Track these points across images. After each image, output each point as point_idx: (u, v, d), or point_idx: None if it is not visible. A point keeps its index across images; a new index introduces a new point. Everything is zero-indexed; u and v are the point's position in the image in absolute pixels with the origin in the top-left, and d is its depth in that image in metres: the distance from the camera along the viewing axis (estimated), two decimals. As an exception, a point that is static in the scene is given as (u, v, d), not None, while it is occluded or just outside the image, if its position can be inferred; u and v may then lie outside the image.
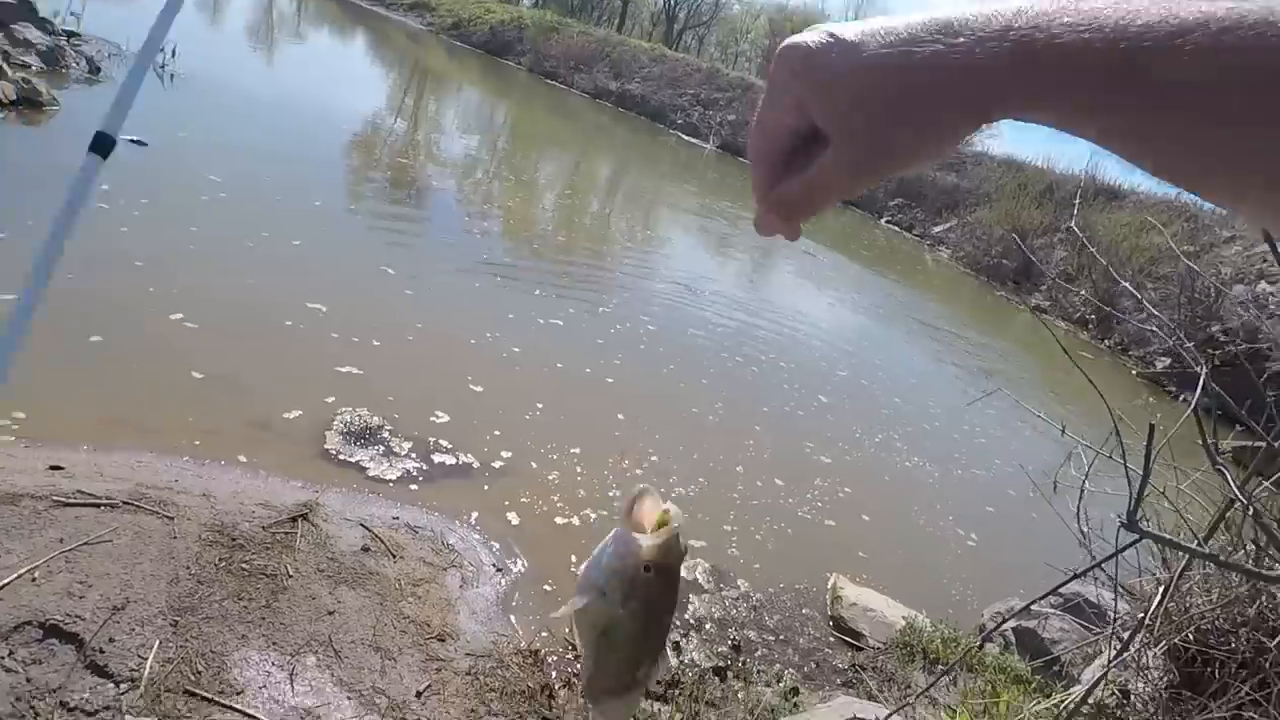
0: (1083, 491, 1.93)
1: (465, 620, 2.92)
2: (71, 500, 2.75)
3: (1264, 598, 2.05)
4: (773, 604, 3.74)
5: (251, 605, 2.58)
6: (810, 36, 0.42)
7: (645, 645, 0.64)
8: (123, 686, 2.16)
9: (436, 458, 3.95)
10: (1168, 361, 12.04)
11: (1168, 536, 1.37)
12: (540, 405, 4.80)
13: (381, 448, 3.87)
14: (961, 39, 0.39)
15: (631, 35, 42.08)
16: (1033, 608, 3.56)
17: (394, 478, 3.70)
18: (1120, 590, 2.57)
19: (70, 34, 9.38)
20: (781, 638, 3.52)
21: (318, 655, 2.49)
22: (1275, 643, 1.92)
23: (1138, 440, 1.58)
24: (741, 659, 3.23)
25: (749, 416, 5.90)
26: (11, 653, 2.14)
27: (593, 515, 3.90)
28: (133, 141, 5.89)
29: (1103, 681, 2.18)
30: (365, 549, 3.07)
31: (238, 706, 2.22)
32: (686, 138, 27.35)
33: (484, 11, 35.62)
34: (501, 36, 33.92)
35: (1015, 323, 14.99)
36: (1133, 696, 2.31)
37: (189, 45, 10.71)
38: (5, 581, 2.32)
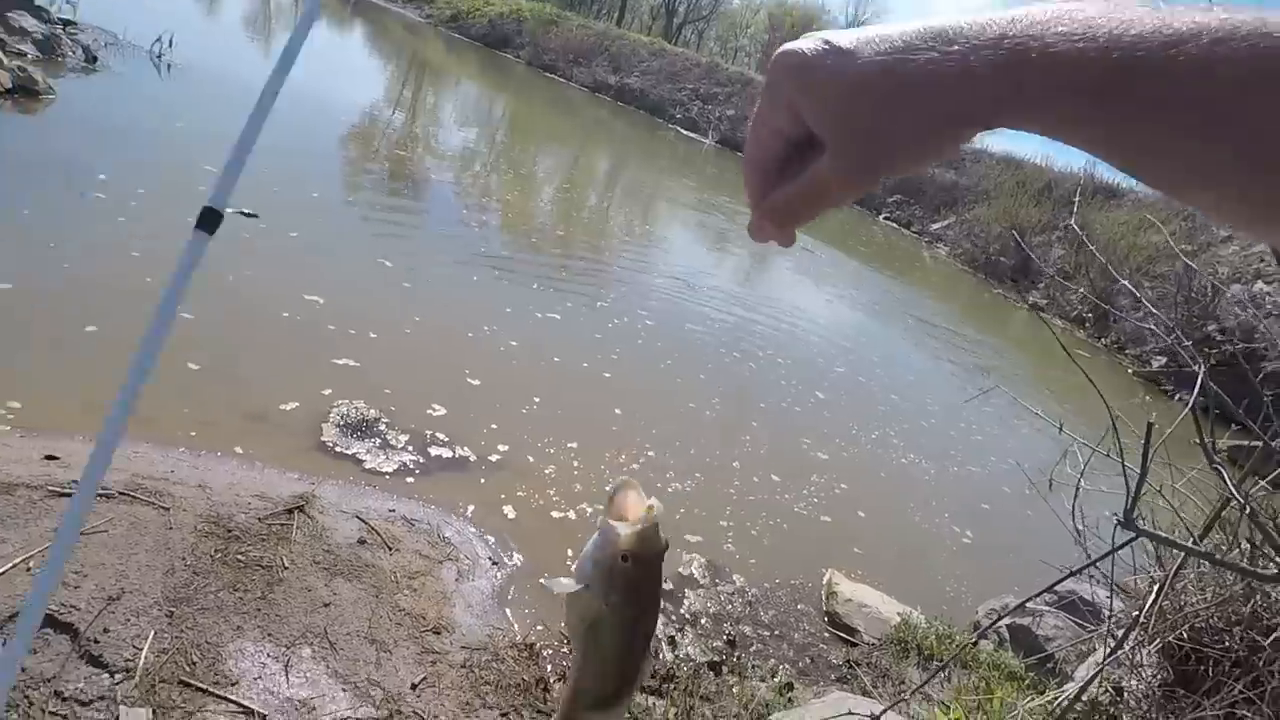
0: (1078, 489, 1.94)
1: (461, 613, 2.92)
2: (67, 490, 2.74)
3: (1258, 596, 2.06)
4: (768, 599, 3.74)
5: (247, 596, 2.58)
6: (806, 43, 0.43)
7: (630, 643, 0.64)
8: (118, 676, 2.15)
9: (433, 451, 3.95)
10: (1164, 360, 12.07)
11: (1164, 535, 1.38)
12: (537, 399, 4.80)
13: (378, 440, 3.86)
14: (956, 47, 0.39)
15: (631, 29, 41.96)
16: (1027, 605, 3.57)
17: (390, 470, 3.70)
18: (1115, 588, 2.57)
19: (66, 22, 9.32)
20: (776, 633, 3.53)
21: (313, 647, 2.49)
22: (1269, 641, 1.92)
23: (1133, 439, 1.58)
24: (736, 654, 3.24)
25: (746, 412, 5.90)
26: (6, 642, 2.13)
27: (589, 510, 3.90)
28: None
29: (1097, 679, 2.19)
30: (361, 541, 3.06)
31: (232, 697, 2.21)
32: (685, 132, 27.30)
33: (483, 4, 35.47)
34: (500, 29, 33.80)
35: (1012, 321, 15.02)
36: (1126, 694, 2.32)
37: (186, 35, 10.67)
38: (0, 571, 2.32)
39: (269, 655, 2.40)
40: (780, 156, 0.46)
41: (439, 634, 2.76)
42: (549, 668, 2.80)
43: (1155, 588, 2.07)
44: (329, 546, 2.97)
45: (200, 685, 2.21)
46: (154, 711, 2.10)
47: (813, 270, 12.26)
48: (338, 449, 3.71)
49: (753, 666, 3.20)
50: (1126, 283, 2.10)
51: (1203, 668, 2.12)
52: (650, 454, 4.67)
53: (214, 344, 4.15)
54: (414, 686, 2.49)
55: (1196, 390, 1.56)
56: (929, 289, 15.60)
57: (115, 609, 2.35)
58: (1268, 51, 0.32)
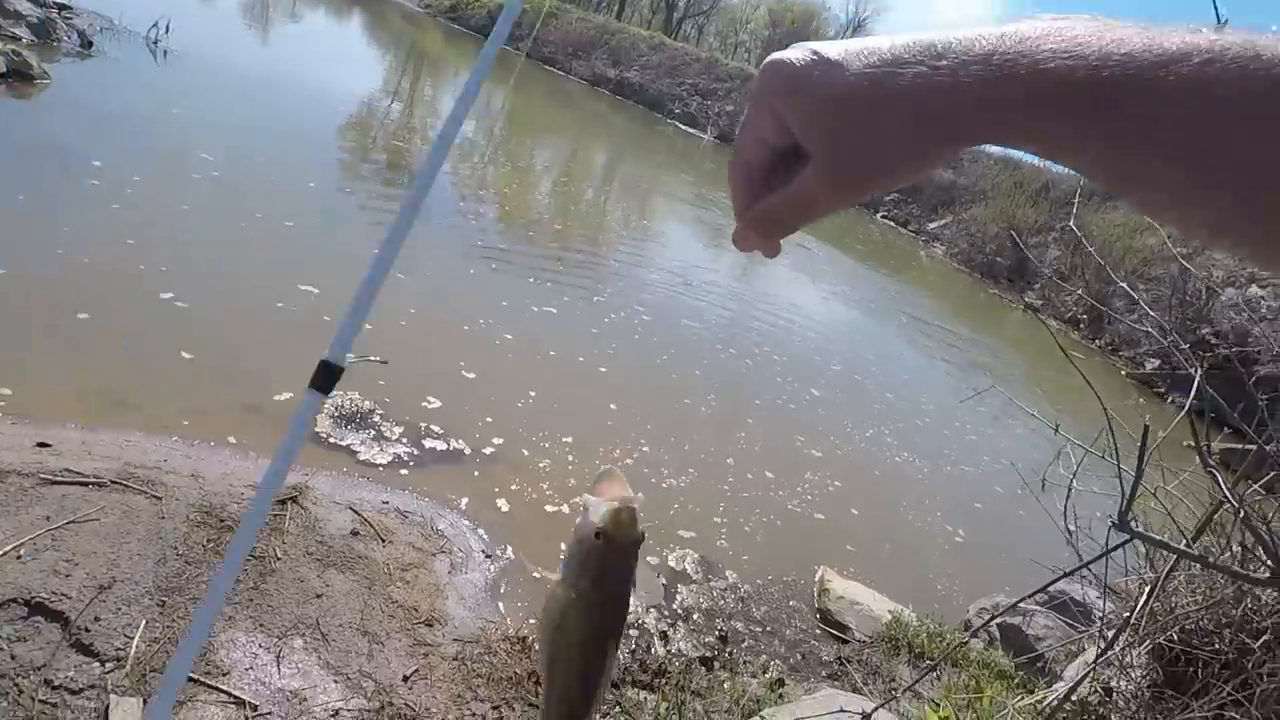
0: (1070, 490, 1.94)
1: (453, 606, 2.92)
2: (59, 478, 2.73)
3: (1249, 599, 2.08)
4: (760, 596, 3.75)
5: (239, 587, 2.57)
6: (794, 54, 0.42)
7: (593, 636, 0.63)
8: (108, 665, 2.15)
9: (427, 443, 3.94)
10: (1157, 363, 12.12)
11: (1158, 538, 1.38)
12: (533, 393, 4.79)
13: (372, 432, 3.85)
14: (945, 62, 0.38)
15: (631, 22, 41.82)
16: (1017, 604, 3.59)
17: (384, 462, 3.69)
18: (1107, 589, 2.58)
19: (62, 6, 9.24)
20: (768, 629, 3.54)
21: (305, 638, 2.49)
22: (1259, 644, 1.94)
23: (1127, 440, 1.59)
24: (728, 649, 3.25)
25: (741, 409, 5.90)
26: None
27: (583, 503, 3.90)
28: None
29: (1087, 679, 2.20)
30: (354, 533, 3.06)
31: (224, 688, 2.21)
32: (684, 127, 27.26)
33: (482, -6, 35.34)
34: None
35: (1007, 321, 15.06)
36: (1115, 694, 2.34)
37: (183, 21, 10.59)
38: (-10, 559, 2.30)
39: (261, 646, 2.40)
40: (766, 166, 0.46)
41: (431, 626, 2.76)
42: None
43: (1146, 589, 2.08)
44: (322, 538, 2.96)
45: (191, 675, 2.20)
46: (144, 700, 2.09)
47: (809, 267, 12.26)
48: (332, 440, 3.70)
49: (744, 662, 3.20)
50: (1124, 284, 2.10)
51: (1192, 669, 2.14)
52: (645, 449, 4.67)
53: (208, 333, 4.14)
54: (406, 678, 2.49)
55: (1193, 394, 1.56)
56: (925, 288, 15.63)
57: (106, 598, 2.34)
58: (1256, 74, 0.32)
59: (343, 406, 3.93)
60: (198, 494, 2.92)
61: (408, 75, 19.21)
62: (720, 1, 54.96)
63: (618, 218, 12.13)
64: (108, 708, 2.02)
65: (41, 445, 2.93)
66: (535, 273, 7.13)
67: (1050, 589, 3.56)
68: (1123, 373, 12.97)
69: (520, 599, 3.13)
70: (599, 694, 0.64)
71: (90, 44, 8.96)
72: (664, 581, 3.58)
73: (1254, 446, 1.81)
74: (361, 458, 3.66)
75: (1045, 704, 2.63)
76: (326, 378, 0.94)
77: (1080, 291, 12.48)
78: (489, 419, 4.32)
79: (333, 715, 2.27)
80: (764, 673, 3.16)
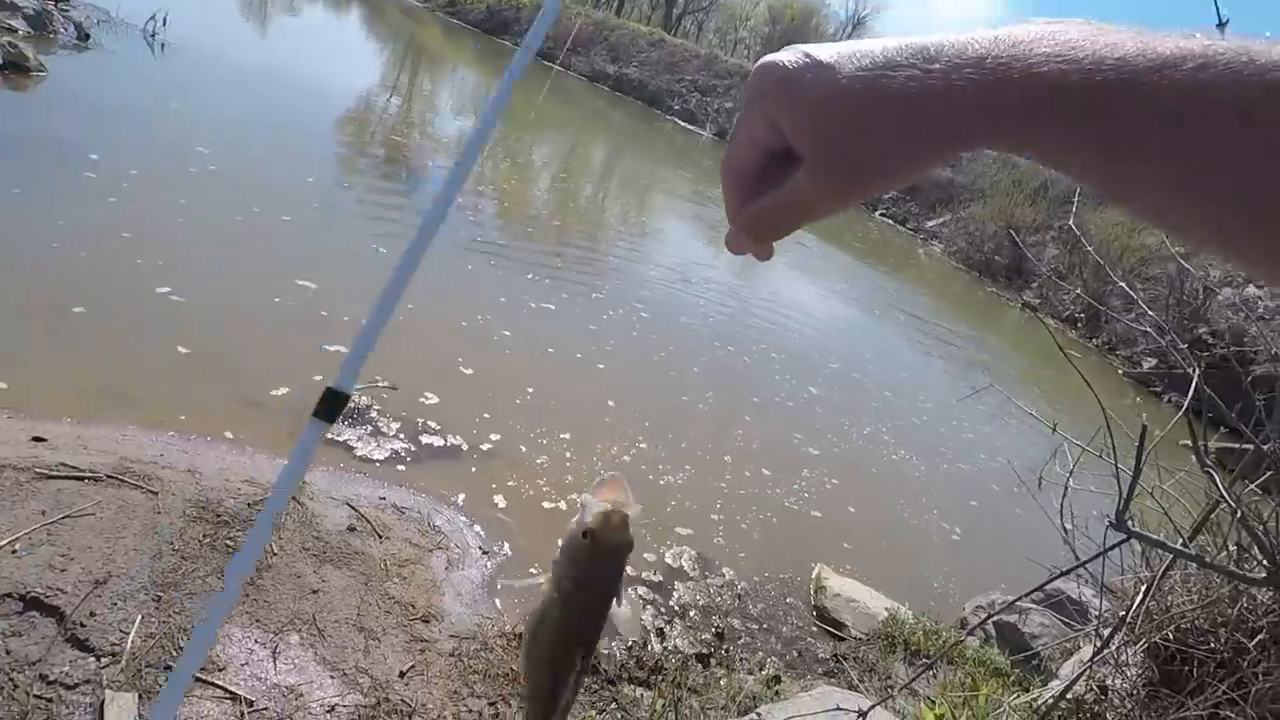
0: (1067, 488, 1.95)
1: (450, 602, 2.92)
2: (54, 473, 2.72)
3: (1244, 599, 2.08)
4: (757, 593, 3.76)
5: (235, 582, 2.56)
6: (786, 56, 0.42)
7: (566, 638, 0.62)
8: (103, 660, 2.14)
9: (424, 439, 3.93)
10: (1154, 362, 12.15)
11: (1155, 537, 1.38)
12: (530, 389, 4.79)
13: (369, 427, 3.84)
14: (937, 65, 0.38)
15: (630, 18, 41.73)
16: (1014, 603, 3.59)
17: (381, 458, 3.69)
18: (1103, 588, 2.59)
19: (59, -2, 9.20)
20: (765, 626, 3.54)
21: (301, 634, 2.49)
22: (1254, 643, 1.94)
23: (1125, 439, 1.59)
24: (725, 646, 3.25)
25: (739, 406, 5.90)
26: (-10, 625, 2.12)
27: (582, 496, 3.90)
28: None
29: (1082, 677, 2.20)
30: (351, 529, 3.05)
31: (220, 683, 2.21)
32: (683, 124, 27.22)
33: (481, -11, 35.23)
34: (498, 15, 33.57)
35: (1005, 319, 15.08)
36: (1111, 692, 2.34)
37: (180, 14, 10.54)
38: (-15, 553, 2.30)
39: (257, 641, 2.39)
40: (759, 168, 0.46)
41: (428, 622, 2.76)
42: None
43: (1143, 588, 2.09)
44: (318, 533, 2.96)
45: (187, 670, 2.20)
46: (140, 696, 2.09)
47: (807, 265, 12.26)
48: (328, 435, 3.69)
49: (741, 659, 3.21)
50: (1122, 284, 2.10)
51: (1187, 668, 2.14)
52: (642, 446, 4.67)
53: (205, 328, 4.13)
54: (402, 674, 2.49)
55: (1191, 394, 1.56)
56: (923, 286, 15.64)
57: (102, 593, 2.33)
58: (1250, 79, 0.32)
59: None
60: (194, 489, 2.91)
61: (406, 70, 19.16)
62: (720, -2, 54.90)
63: (616, 214, 12.12)
64: (103, 703, 2.02)
65: (37, 439, 2.92)
66: (533, 269, 7.12)
67: (1046, 587, 3.57)
68: (1119, 372, 12.99)
69: (517, 595, 3.13)
70: (567, 694, 0.63)
71: (87, 36, 8.93)
72: (660, 579, 3.58)
73: (1250, 446, 1.81)
74: (359, 453, 3.66)
75: (1041, 702, 2.64)
76: (331, 406, 0.86)
77: (1078, 290, 12.50)
78: (486, 415, 4.32)
79: (329, 711, 2.27)
80: (760, 670, 3.16)
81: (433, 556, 3.13)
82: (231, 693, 2.19)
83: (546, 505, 3.82)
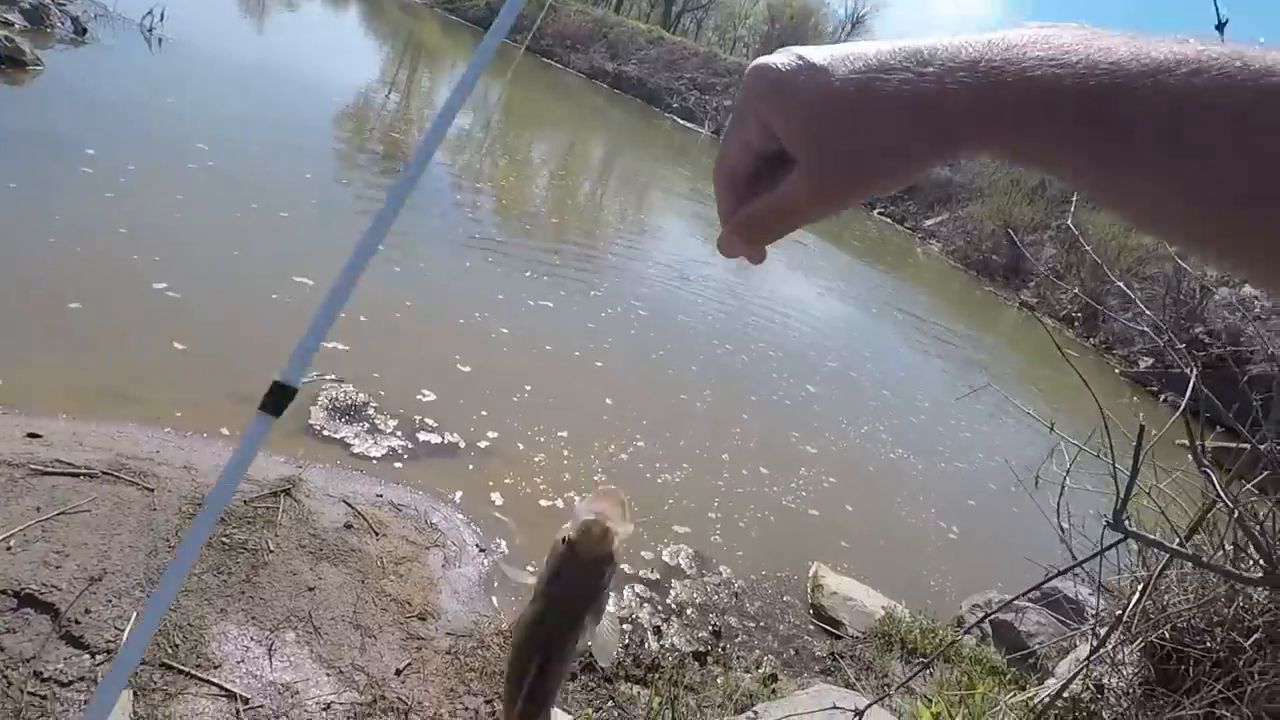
0: (1063, 487, 1.95)
1: (447, 600, 2.92)
2: (49, 469, 2.71)
3: (1241, 598, 2.08)
4: (754, 591, 3.76)
5: (231, 579, 2.56)
6: (779, 58, 0.42)
7: (529, 643, 0.62)
8: (98, 658, 2.13)
9: (422, 436, 3.93)
10: (1150, 361, 12.17)
11: (1152, 537, 1.38)
12: (528, 387, 4.78)
13: (366, 425, 3.84)
14: (931, 68, 0.38)
15: (629, 16, 41.68)
16: (1011, 602, 3.60)
17: (378, 455, 3.68)
18: (1100, 587, 2.59)
19: (55, -8, 9.15)
20: (762, 625, 3.54)
21: (297, 631, 2.48)
22: (1250, 642, 1.94)
23: (1122, 439, 1.59)
24: (722, 645, 3.25)
25: (737, 404, 5.90)
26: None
27: (578, 499, 3.90)
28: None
29: (1079, 676, 2.20)
30: (348, 526, 3.05)
31: (215, 680, 2.20)
32: (682, 122, 27.20)
33: (481, -14, 35.14)
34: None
35: (1003, 318, 15.09)
36: (1107, 691, 2.34)
37: (178, 9, 10.50)
38: (-21, 549, 2.29)
39: (252, 639, 2.39)
40: (751, 172, 0.46)
41: (424, 620, 2.76)
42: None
43: (1139, 587, 2.09)
44: (315, 530, 2.95)
45: (182, 668, 2.20)
46: (135, 693, 2.08)
47: (806, 263, 12.26)
48: (325, 433, 3.69)
49: (737, 657, 3.21)
50: (1120, 283, 2.10)
51: (1183, 667, 2.15)
52: (640, 444, 4.67)
53: (202, 325, 4.11)
54: (398, 672, 2.49)
55: (1189, 393, 1.56)
56: (921, 285, 15.65)
57: (97, 590, 2.33)
58: (1244, 84, 0.32)
59: (336, 399, 3.91)
60: (190, 486, 2.91)
61: (405, 66, 19.11)
62: (719, -5, 54.83)
63: (615, 212, 12.10)
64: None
65: (32, 436, 2.91)
66: (532, 266, 7.11)
67: (1043, 586, 3.57)
68: (1116, 371, 13.02)
69: (514, 593, 3.12)
70: (525, 698, 0.62)
71: (84, 31, 8.89)
72: (658, 577, 3.58)
73: (1247, 446, 1.81)
74: (355, 450, 3.65)
75: (1037, 700, 2.64)
76: (279, 400, 0.83)
77: (1076, 289, 12.52)
78: (484, 413, 4.31)
79: (324, 708, 2.26)
80: (757, 668, 3.16)
81: (429, 554, 3.12)
82: (227, 690, 2.19)
83: (544, 503, 3.81)
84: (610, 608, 0.66)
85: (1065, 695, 2.35)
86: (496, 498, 3.71)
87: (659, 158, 19.92)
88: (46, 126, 5.99)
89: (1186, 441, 1.58)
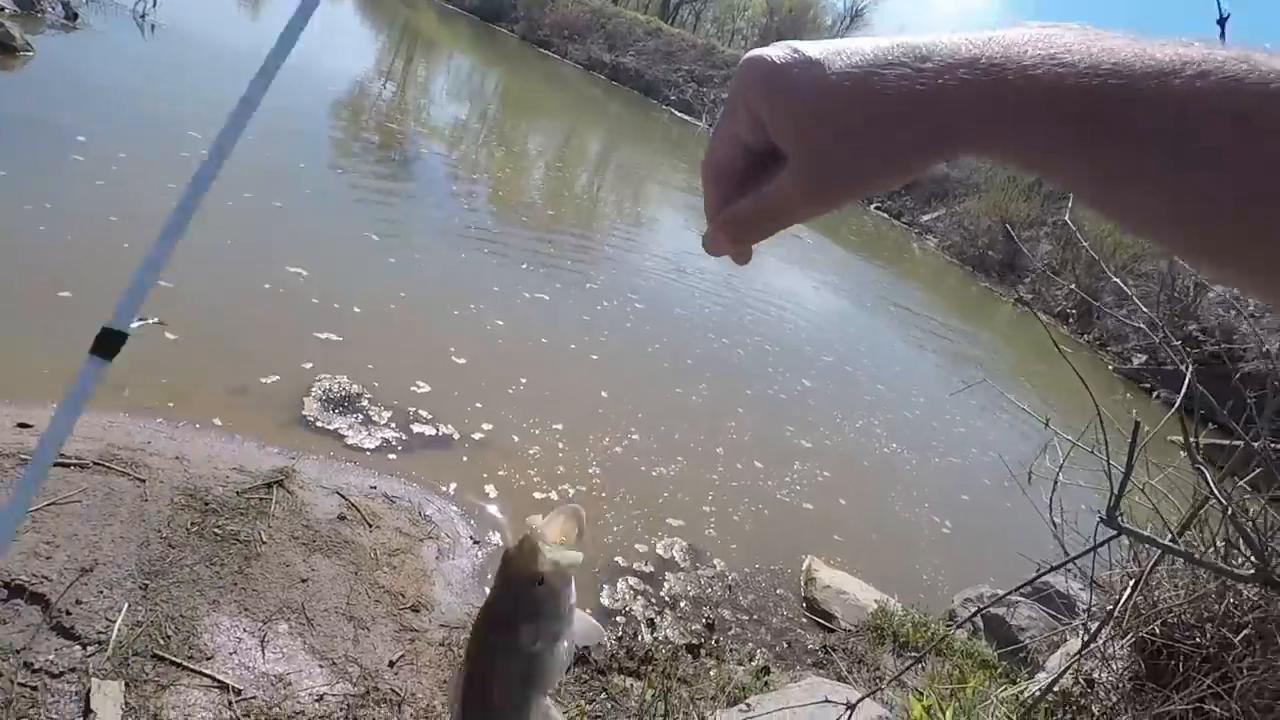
0: (1056, 483, 1.95)
1: (440, 591, 2.91)
2: (40, 459, 2.69)
3: (1231, 595, 2.10)
4: (747, 584, 3.77)
5: (223, 571, 2.55)
6: (773, 51, 0.41)
7: (466, 651, 0.61)
8: (89, 649, 2.13)
9: (416, 428, 3.92)
10: (1144, 358, 12.22)
11: (1144, 533, 1.39)
12: (523, 379, 4.77)
13: (360, 416, 3.82)
14: (929, 65, 0.37)
15: (627, 7, 41.48)
16: (1004, 598, 3.62)
17: (372, 447, 3.67)
18: (1092, 582, 2.60)
19: (47, -23, 9.06)
20: (755, 617, 3.55)
21: (290, 623, 2.48)
22: (1240, 638, 1.96)
23: (1115, 435, 1.59)
24: (715, 637, 3.26)
25: (732, 398, 5.90)
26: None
27: (572, 491, 3.90)
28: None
29: (1069, 670, 2.22)
30: (341, 517, 3.04)
31: (207, 672, 2.20)
32: (679, 114, 27.12)
33: (478, -25, 34.91)
34: (494, 1, 33.30)
35: (998, 314, 15.12)
36: (1097, 686, 2.36)
37: (171, -5, 10.41)
38: (-31, 539, 2.27)
39: (245, 630, 2.38)
40: (741, 168, 0.44)
41: (418, 612, 2.75)
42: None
43: (1130, 583, 2.10)
44: (308, 522, 2.94)
45: (174, 659, 2.19)
46: (127, 684, 2.08)
47: (802, 257, 12.26)
48: (319, 424, 3.67)
49: (730, 650, 3.22)
50: (1116, 280, 2.10)
51: (1173, 662, 2.16)
52: (635, 437, 4.67)
53: (194, 314, 4.09)
54: (392, 664, 2.49)
55: (1184, 390, 1.57)
56: (917, 280, 15.67)
57: (88, 581, 2.32)
58: (1250, 87, 0.32)
59: (330, 390, 3.90)
60: (182, 476, 2.89)
61: (401, 56, 19.00)
62: (717, -13, 54.59)
63: (611, 204, 12.07)
64: (89, 691, 2.01)
65: (22, 426, 2.89)
66: (528, 258, 7.08)
67: (1035, 581, 3.59)
68: (1110, 367, 13.07)
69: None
70: (460, 705, 0.61)
71: (75, 16, 8.80)
72: (652, 569, 3.58)
73: (1240, 443, 1.82)
74: (349, 442, 3.64)
75: (1028, 694, 2.65)
76: (109, 344, 0.89)
77: (1071, 286, 12.55)
78: (478, 405, 4.30)
79: (317, 700, 2.26)
80: (750, 660, 3.17)
81: (423, 546, 3.12)
82: (219, 681, 2.18)
83: (538, 495, 3.81)
84: (590, 621, 0.65)
85: (1055, 689, 2.36)
86: (491, 490, 3.70)
87: (656, 150, 19.87)
88: (37, 113, 5.94)
89: (1180, 438, 1.58)
